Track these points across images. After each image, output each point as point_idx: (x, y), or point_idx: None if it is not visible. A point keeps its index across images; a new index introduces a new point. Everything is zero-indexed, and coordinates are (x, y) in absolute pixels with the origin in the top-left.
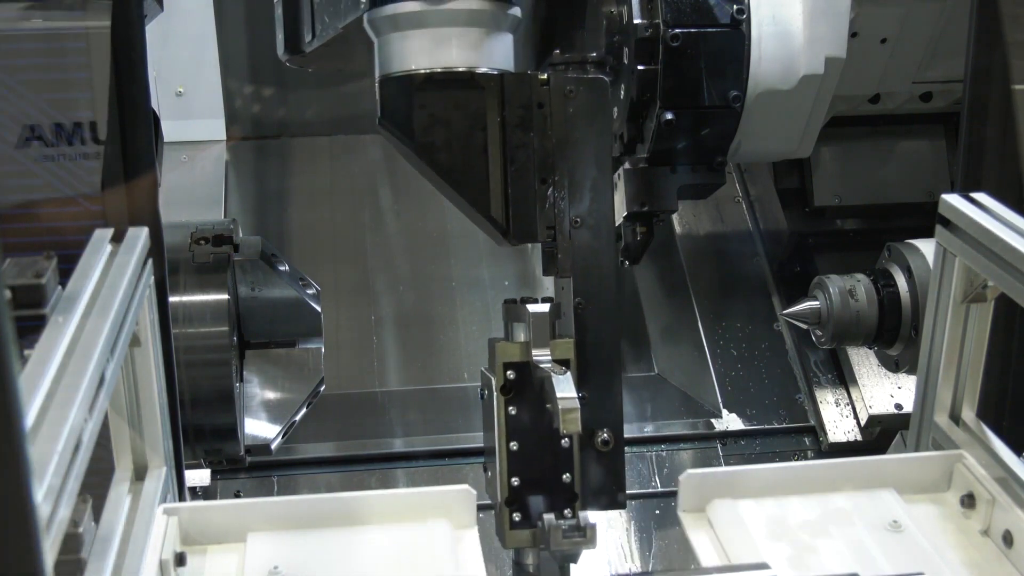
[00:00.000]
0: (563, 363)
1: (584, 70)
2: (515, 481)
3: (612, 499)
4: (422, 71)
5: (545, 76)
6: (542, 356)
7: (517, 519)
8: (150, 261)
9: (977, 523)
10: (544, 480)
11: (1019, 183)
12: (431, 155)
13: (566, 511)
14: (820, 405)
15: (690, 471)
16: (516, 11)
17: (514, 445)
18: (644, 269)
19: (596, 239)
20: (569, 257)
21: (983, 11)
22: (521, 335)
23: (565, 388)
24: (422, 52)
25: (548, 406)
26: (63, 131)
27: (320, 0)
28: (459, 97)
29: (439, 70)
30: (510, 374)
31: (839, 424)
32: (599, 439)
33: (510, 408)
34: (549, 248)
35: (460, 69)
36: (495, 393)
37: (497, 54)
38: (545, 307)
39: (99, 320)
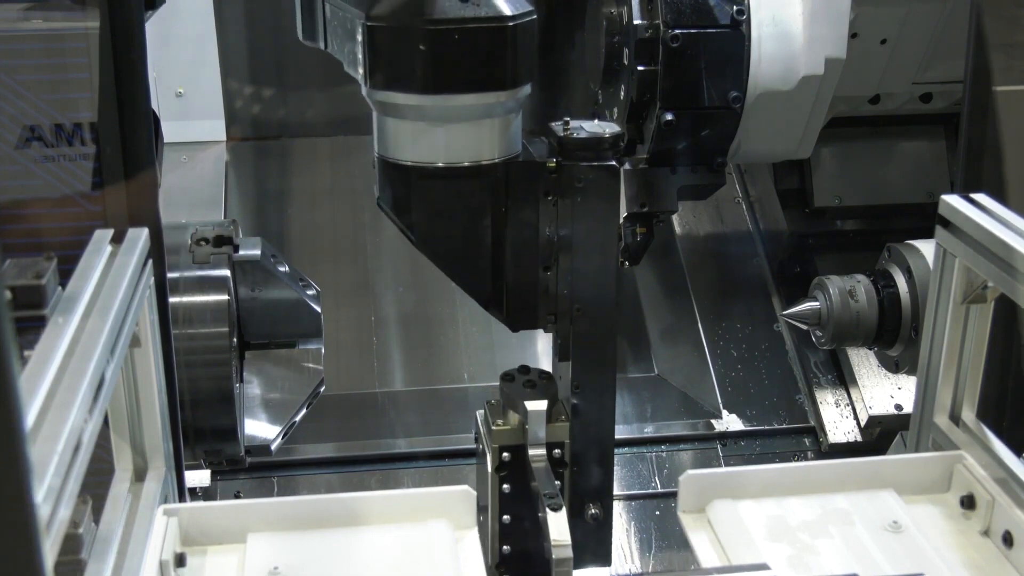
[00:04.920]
0: (558, 445)
1: (599, 151)
2: (506, 548)
3: (599, 558)
4: (423, 164)
5: (554, 163)
6: (537, 453)
7: None
8: (150, 262)
9: (977, 524)
10: (534, 548)
11: (1019, 183)
12: (431, 248)
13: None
14: (820, 406)
15: (690, 472)
16: (527, 90)
17: (506, 518)
18: (644, 269)
19: (597, 327)
20: (569, 343)
21: (983, 12)
22: (517, 419)
23: (559, 529)
24: (424, 145)
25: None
26: (63, 131)
27: (331, 19)
28: (462, 188)
29: (442, 165)
30: (505, 456)
31: (839, 425)
32: (589, 513)
33: (504, 486)
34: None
35: (465, 164)
36: (489, 471)
37: (505, 140)
38: (543, 404)
39: (99, 321)
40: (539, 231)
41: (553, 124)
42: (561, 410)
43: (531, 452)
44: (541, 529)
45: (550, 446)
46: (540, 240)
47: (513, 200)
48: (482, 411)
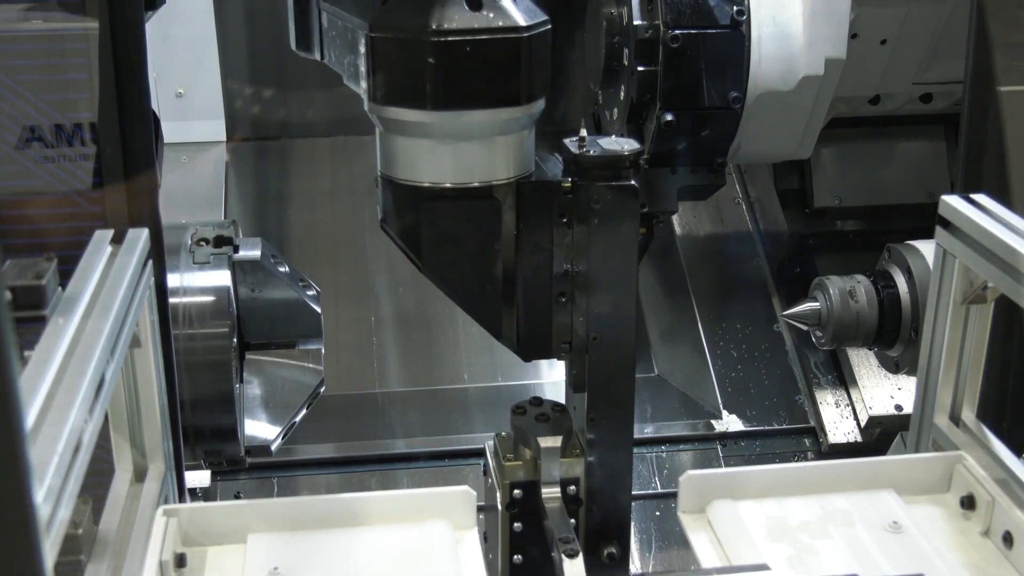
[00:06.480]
0: (573, 481)
1: (618, 170)
2: None
3: None
4: (430, 184)
5: (569, 183)
6: (551, 493)
7: None
8: (150, 262)
9: (977, 524)
10: None
11: (1019, 183)
12: (439, 273)
13: None
14: (820, 406)
15: (690, 472)
16: (541, 104)
17: (517, 558)
18: (644, 270)
19: (614, 356)
20: (585, 373)
21: (983, 12)
22: (529, 454)
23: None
24: (432, 164)
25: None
26: (63, 132)
27: (328, 29)
28: (472, 210)
29: (450, 186)
30: (516, 493)
31: (839, 425)
32: (605, 552)
33: (515, 525)
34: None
35: (475, 185)
36: (499, 508)
37: (518, 159)
38: (557, 441)
39: (99, 321)
40: (553, 255)
41: (567, 140)
42: (576, 443)
43: (544, 491)
44: (555, 571)
45: (564, 483)
46: (554, 265)
47: (525, 222)
48: (491, 442)
